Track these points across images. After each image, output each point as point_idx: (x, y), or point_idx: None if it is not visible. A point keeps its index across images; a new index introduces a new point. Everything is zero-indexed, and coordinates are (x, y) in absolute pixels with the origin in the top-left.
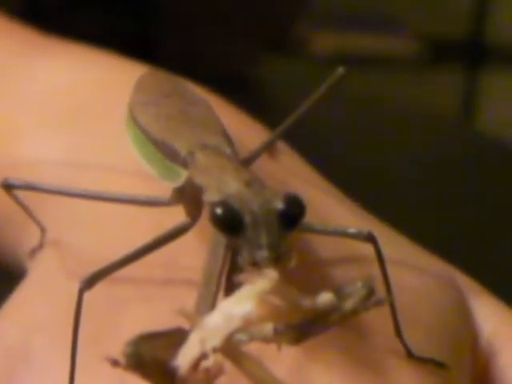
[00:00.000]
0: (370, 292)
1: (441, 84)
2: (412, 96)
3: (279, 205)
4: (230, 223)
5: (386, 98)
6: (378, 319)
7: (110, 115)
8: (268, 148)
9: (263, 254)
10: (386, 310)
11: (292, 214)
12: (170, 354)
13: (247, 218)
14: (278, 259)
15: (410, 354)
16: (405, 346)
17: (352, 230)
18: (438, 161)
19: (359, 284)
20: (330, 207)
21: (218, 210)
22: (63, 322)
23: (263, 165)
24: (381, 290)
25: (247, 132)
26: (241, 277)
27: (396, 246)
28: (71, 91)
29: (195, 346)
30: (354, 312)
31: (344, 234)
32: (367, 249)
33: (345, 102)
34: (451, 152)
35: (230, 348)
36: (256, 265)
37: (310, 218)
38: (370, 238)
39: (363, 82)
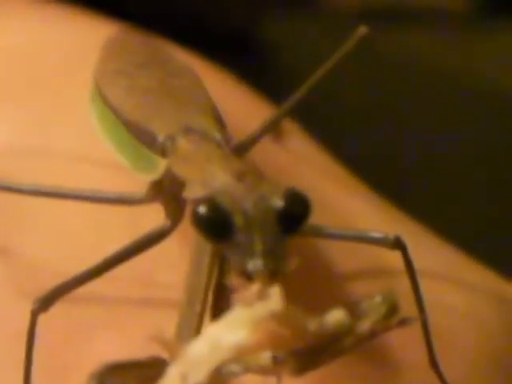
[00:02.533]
0: (392, 309)
1: (502, 45)
2: (462, 61)
3: (278, 202)
4: (217, 225)
5: (427, 65)
6: (405, 345)
7: (70, 88)
8: (272, 129)
9: (258, 263)
10: (416, 334)
11: (294, 213)
12: None
13: (238, 219)
14: (276, 271)
15: None
16: (442, 379)
17: (375, 234)
18: (496, 147)
19: (378, 299)
20: (347, 203)
21: (202, 209)
22: (11, 353)
23: (265, 151)
24: (412, 309)
25: (245, 109)
26: (232, 294)
27: (432, 253)
28: (19, 58)
29: (175, 381)
30: (373, 334)
31: (365, 239)
32: (395, 257)
33: (373, 70)
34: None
35: None
36: (249, 277)
37: (321, 217)
38: (398, 244)
39: (399, 44)
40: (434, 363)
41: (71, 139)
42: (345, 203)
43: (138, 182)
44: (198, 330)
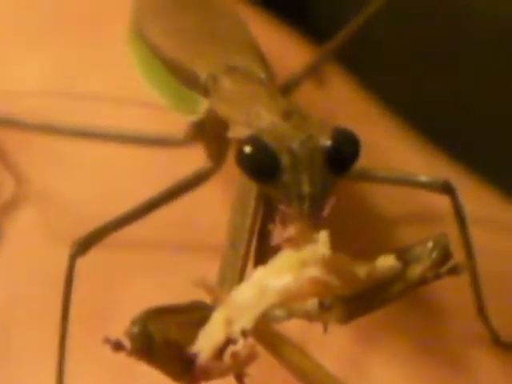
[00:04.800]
0: (444, 255)
1: None
2: None
3: (326, 142)
4: (263, 165)
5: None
6: (454, 293)
7: (107, 27)
8: (314, 71)
9: (305, 205)
10: (465, 281)
11: (343, 153)
12: (188, 335)
13: (285, 159)
14: (322, 213)
15: (496, 340)
16: (490, 329)
17: (423, 178)
18: None
19: (430, 245)
20: (393, 148)
21: (248, 149)
22: (49, 297)
23: (307, 93)
24: (459, 255)
25: (287, 51)
26: (277, 236)
27: (482, 199)
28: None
29: (219, 327)
30: (423, 281)
31: (413, 183)
32: (443, 202)
33: (418, 12)
34: None
35: (264, 330)
36: (296, 219)
37: (367, 161)
38: (447, 188)
39: None
40: (480, 310)
41: (109, 78)
42: (389, 147)
43: (177, 124)
44: (241, 273)
